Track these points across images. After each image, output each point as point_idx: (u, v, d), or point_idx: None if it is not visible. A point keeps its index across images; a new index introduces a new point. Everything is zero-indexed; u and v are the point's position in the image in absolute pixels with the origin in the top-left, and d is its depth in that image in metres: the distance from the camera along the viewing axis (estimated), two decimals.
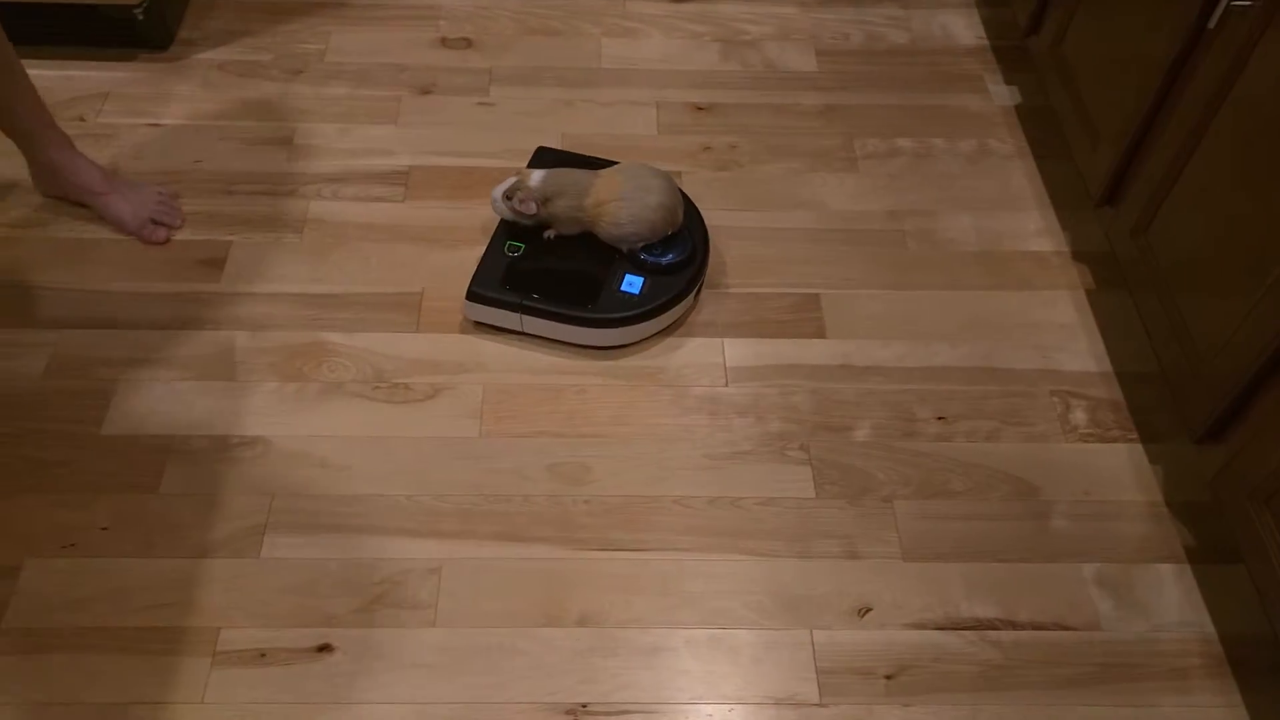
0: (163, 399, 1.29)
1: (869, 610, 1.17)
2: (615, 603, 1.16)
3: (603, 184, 1.35)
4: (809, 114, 1.69)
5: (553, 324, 1.35)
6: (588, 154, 1.49)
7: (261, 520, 1.20)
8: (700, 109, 1.68)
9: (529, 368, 1.35)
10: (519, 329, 1.37)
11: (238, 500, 1.21)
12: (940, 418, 1.33)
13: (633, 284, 1.35)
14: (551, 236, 1.38)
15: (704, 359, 1.38)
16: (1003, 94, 1.73)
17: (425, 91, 1.68)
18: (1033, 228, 1.54)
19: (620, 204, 1.33)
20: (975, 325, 1.43)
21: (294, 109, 1.64)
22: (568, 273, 1.36)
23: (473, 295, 1.34)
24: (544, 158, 1.47)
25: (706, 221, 1.44)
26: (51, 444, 1.25)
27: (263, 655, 1.10)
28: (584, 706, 1.09)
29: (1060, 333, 1.42)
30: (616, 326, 1.34)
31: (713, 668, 1.12)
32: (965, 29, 1.84)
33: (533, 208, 1.34)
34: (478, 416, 1.30)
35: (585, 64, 1.74)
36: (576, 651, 1.12)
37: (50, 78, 1.64)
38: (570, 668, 1.11)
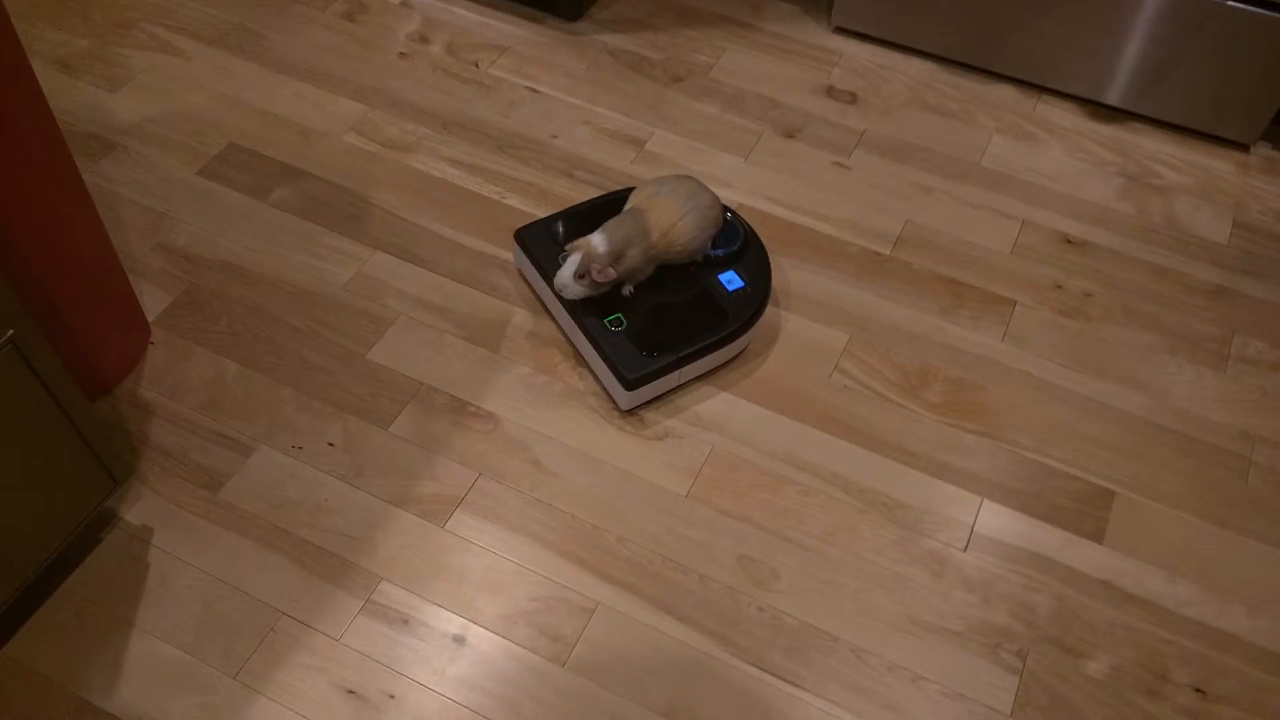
0: (429, 345, 1.39)
1: None
2: None
3: (656, 214, 1.32)
4: (1194, 289, 1.49)
5: (711, 357, 1.34)
6: (608, 206, 1.44)
7: (460, 494, 1.26)
8: (1070, 242, 1.54)
9: (766, 448, 1.31)
10: (676, 383, 1.34)
11: (449, 467, 1.28)
12: (1199, 690, 1.14)
13: (732, 280, 1.37)
14: (631, 291, 1.35)
15: (952, 512, 1.26)
16: None
17: (789, 135, 1.67)
18: None
19: (684, 220, 1.33)
20: None
21: (660, 114, 1.68)
22: (679, 306, 1.35)
23: (631, 384, 1.28)
24: (528, 235, 1.42)
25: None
26: (325, 350, 1.38)
27: (406, 621, 1.16)
28: None
29: None
30: (758, 319, 1.36)
31: None
32: None
33: (611, 273, 1.28)
34: (694, 476, 1.28)
35: (965, 155, 1.65)
36: None
37: (470, 20, 1.80)
38: None
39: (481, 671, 1.13)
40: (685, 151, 1.63)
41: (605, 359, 1.30)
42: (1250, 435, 1.34)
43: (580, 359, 1.38)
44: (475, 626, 1.16)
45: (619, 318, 1.33)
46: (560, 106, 1.69)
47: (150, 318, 1.40)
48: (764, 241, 1.50)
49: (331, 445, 1.29)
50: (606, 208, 1.42)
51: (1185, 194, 1.61)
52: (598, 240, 1.28)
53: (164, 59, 1.73)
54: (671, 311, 1.34)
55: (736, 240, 1.40)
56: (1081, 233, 1.55)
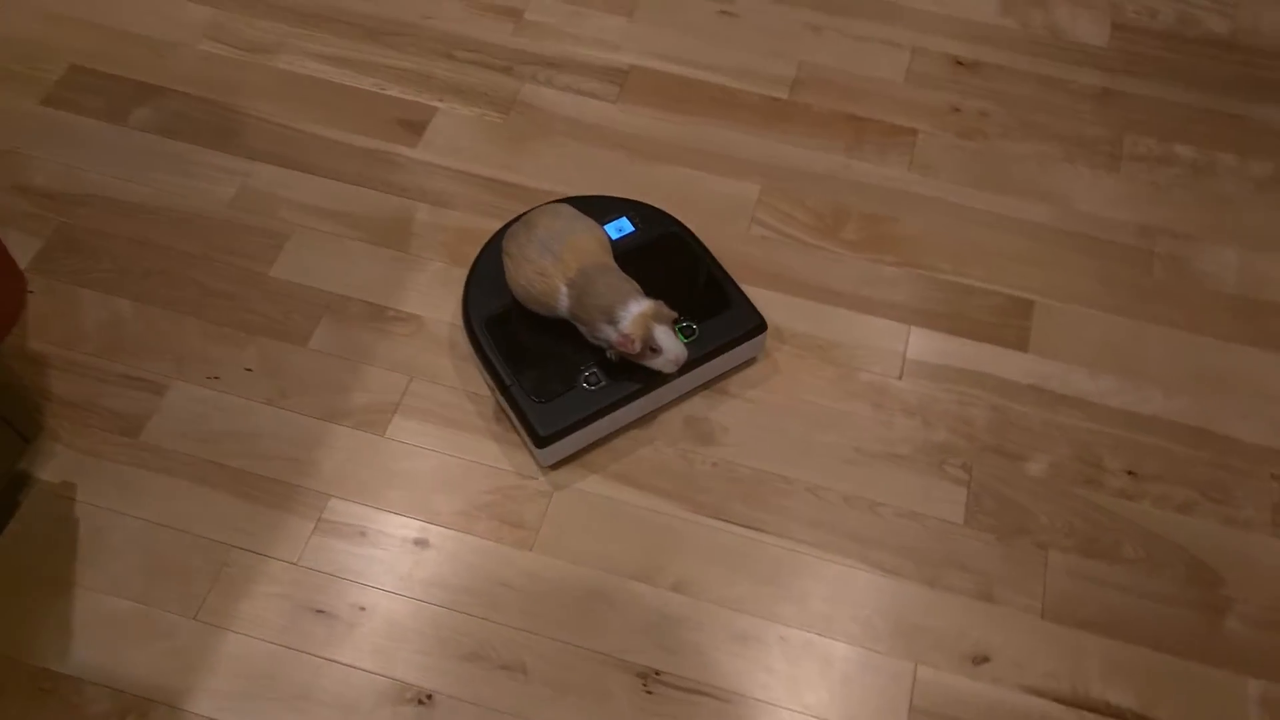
0: (333, 254, 1.36)
1: (986, 660, 1.12)
2: (717, 577, 1.16)
3: (584, 249, 1.19)
4: (1082, 95, 1.55)
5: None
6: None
7: (395, 400, 1.25)
8: (960, 64, 1.58)
9: None
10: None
11: (378, 374, 1.27)
12: (1131, 472, 1.23)
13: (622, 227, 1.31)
14: (614, 357, 1.20)
15: (883, 343, 1.32)
16: None
17: None
18: None
19: (580, 281, 1.17)
20: (1204, 379, 1.30)
21: None
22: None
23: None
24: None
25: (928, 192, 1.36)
26: (222, 274, 1.34)
27: (363, 534, 1.17)
28: (657, 674, 1.10)
29: None
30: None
31: (800, 673, 1.11)
32: None
33: (636, 345, 1.14)
34: None
35: None
36: (664, 615, 1.13)
37: None
38: (654, 630, 1.12)
39: (449, 570, 1.15)
40: (566, 18, 1.60)
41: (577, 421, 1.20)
42: (1149, 229, 1.42)
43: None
44: (434, 527, 1.18)
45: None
46: None
47: (22, 265, 1.33)
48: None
49: (250, 371, 1.27)
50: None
51: (1063, 2, 1.66)
52: (638, 304, 1.14)
53: None
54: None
55: (632, 229, 1.32)
56: (970, 53, 1.59)
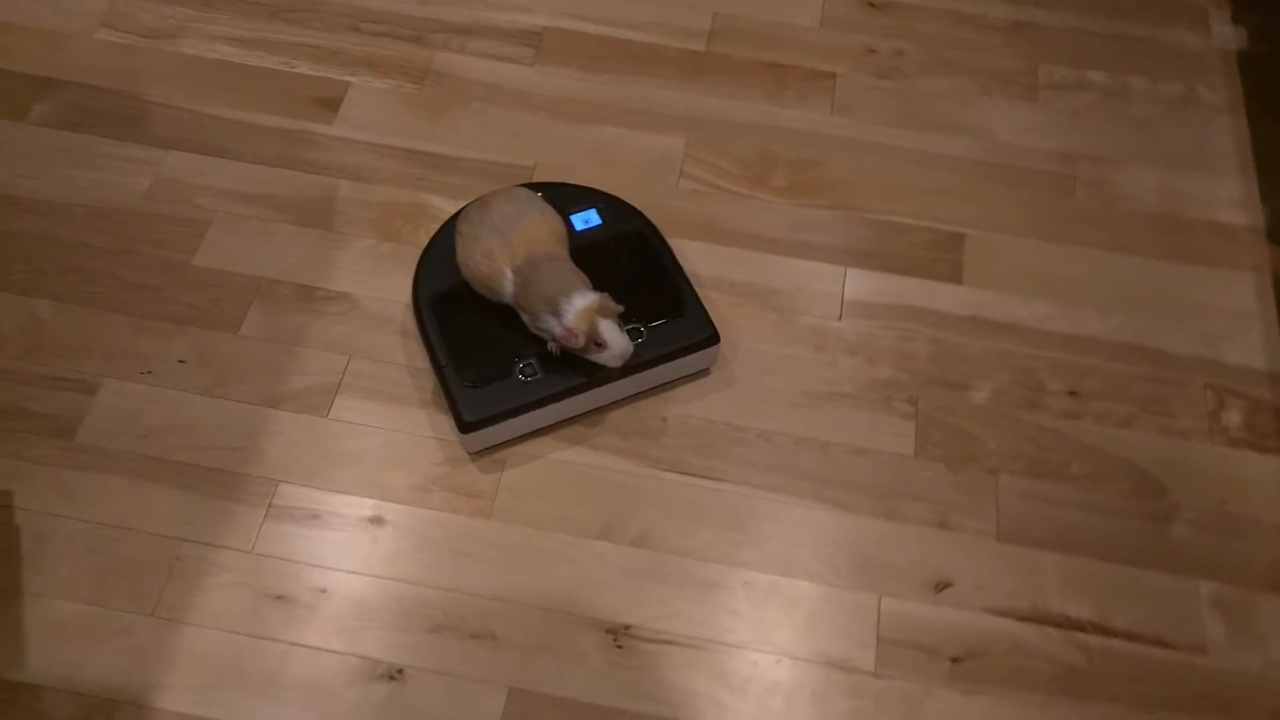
0: (257, 238, 1.33)
1: (947, 586, 1.14)
2: (677, 529, 1.16)
3: (532, 232, 1.17)
4: (994, 28, 1.58)
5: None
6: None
7: (335, 380, 1.23)
8: (873, 5, 1.59)
9: None
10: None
11: (315, 355, 1.25)
12: (1072, 393, 1.27)
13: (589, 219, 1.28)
14: (555, 350, 1.17)
15: (820, 286, 1.33)
16: (1226, 35, 1.58)
17: None
18: (1226, 195, 1.42)
19: (525, 269, 1.14)
20: (1134, 297, 1.34)
21: None
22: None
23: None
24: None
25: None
26: (143, 267, 1.30)
27: (316, 516, 1.15)
28: (626, 628, 1.10)
29: (1232, 320, 1.32)
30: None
31: (766, 614, 1.12)
32: None
33: (580, 340, 1.12)
34: None
35: None
36: (628, 571, 1.14)
37: None
38: (619, 586, 1.13)
39: (409, 544, 1.14)
40: None
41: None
42: (1070, 155, 1.46)
43: (428, 215, 1.36)
44: (389, 504, 1.16)
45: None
46: None
47: None
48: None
49: (183, 362, 1.24)
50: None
51: None
52: (583, 297, 1.11)
53: None
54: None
55: (594, 221, 1.29)
56: None
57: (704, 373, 1.26)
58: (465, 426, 1.15)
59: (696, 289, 1.24)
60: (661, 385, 1.24)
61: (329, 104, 1.45)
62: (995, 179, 1.43)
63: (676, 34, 1.55)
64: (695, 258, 1.34)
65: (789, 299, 1.32)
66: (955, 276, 1.35)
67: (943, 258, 1.36)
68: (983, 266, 1.36)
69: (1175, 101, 1.51)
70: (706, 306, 1.23)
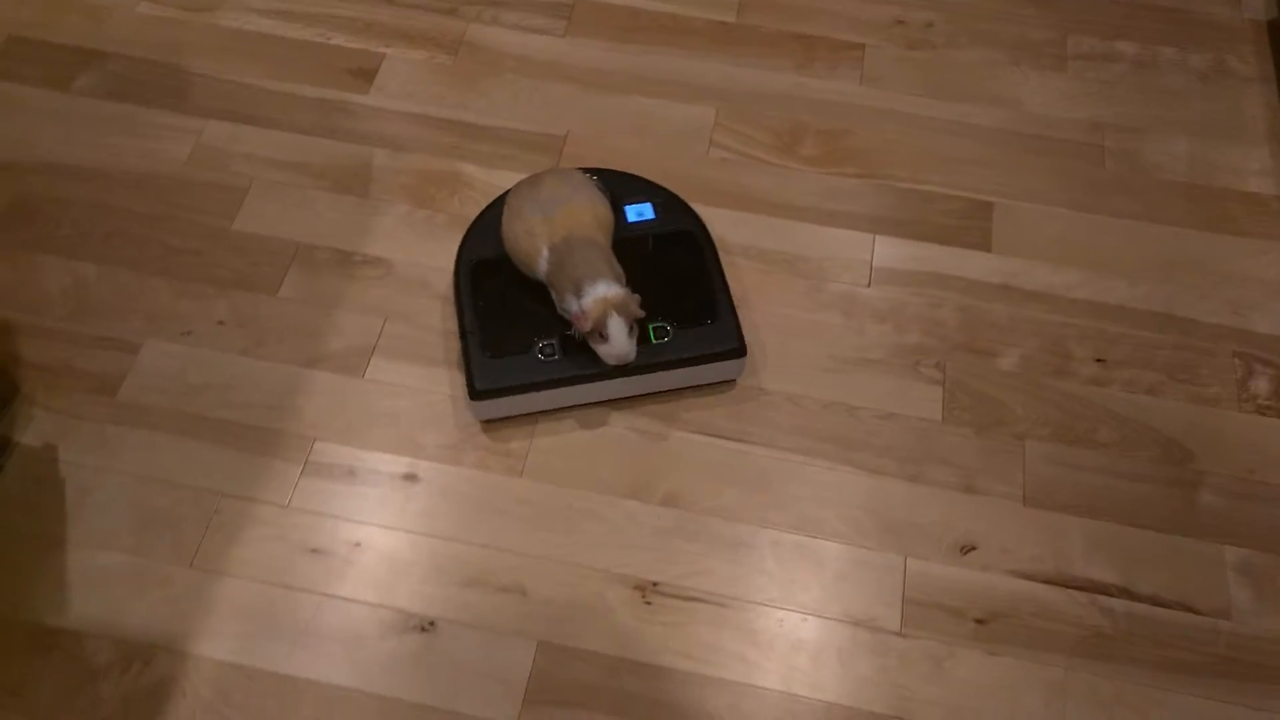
0: (295, 204, 1.36)
1: (973, 549, 1.15)
2: (706, 489, 1.18)
3: (576, 219, 1.18)
4: (1022, 0, 1.58)
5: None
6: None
7: (371, 342, 1.26)
8: None
9: None
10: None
11: (351, 318, 1.28)
12: (1100, 360, 1.27)
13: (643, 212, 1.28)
14: (577, 335, 1.16)
15: (850, 253, 1.34)
16: (1256, 6, 1.58)
17: None
18: (1257, 165, 1.42)
19: (562, 248, 1.16)
20: (1163, 265, 1.34)
21: None
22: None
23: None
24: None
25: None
26: (185, 232, 1.33)
27: (352, 473, 1.18)
28: (654, 585, 1.12)
29: (1261, 289, 1.32)
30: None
31: (794, 574, 1.14)
32: None
33: (588, 324, 1.12)
34: None
35: None
36: (657, 529, 1.15)
37: None
38: (648, 544, 1.15)
39: (442, 501, 1.16)
40: None
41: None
42: (1099, 124, 1.46)
43: (461, 183, 1.38)
44: (423, 461, 1.19)
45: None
46: None
47: None
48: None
49: (222, 324, 1.27)
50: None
51: None
52: (608, 287, 1.12)
53: None
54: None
55: (646, 215, 1.29)
56: None
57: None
58: (475, 394, 1.17)
59: (726, 273, 1.25)
60: (677, 391, 1.24)
61: (365, 74, 1.48)
62: (1024, 149, 1.44)
63: (706, 5, 1.56)
64: (725, 225, 1.35)
65: (818, 266, 1.34)
66: (984, 244, 1.36)
67: (972, 226, 1.37)
68: (1011, 235, 1.36)
69: (1205, 72, 1.51)
70: (737, 309, 1.22)
